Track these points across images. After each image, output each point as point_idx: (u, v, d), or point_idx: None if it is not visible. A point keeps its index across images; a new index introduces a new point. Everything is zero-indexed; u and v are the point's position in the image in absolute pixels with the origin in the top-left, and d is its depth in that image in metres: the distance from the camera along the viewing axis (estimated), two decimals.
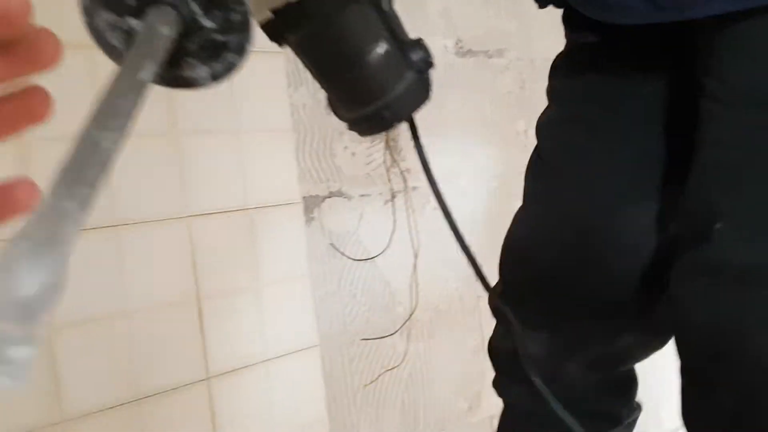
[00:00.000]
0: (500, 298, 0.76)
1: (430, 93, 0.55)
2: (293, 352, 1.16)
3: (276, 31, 0.50)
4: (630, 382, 0.86)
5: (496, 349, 0.89)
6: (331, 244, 1.23)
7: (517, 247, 0.81)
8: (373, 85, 0.51)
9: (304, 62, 0.53)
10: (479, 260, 0.65)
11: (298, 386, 1.17)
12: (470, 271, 0.66)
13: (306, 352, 1.18)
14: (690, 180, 0.63)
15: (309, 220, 1.20)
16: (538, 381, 0.65)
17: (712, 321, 0.59)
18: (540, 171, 0.80)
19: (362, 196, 1.27)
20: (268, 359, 1.13)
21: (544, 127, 0.80)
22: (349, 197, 1.26)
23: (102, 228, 0.96)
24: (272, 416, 1.13)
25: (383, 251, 1.29)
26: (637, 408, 0.87)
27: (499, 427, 0.92)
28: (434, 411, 1.40)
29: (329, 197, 1.23)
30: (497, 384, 0.90)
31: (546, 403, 0.66)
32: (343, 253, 1.24)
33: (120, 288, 0.97)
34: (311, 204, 1.20)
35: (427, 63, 0.53)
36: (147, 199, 1.00)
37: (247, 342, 1.11)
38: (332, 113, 0.57)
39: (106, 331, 0.96)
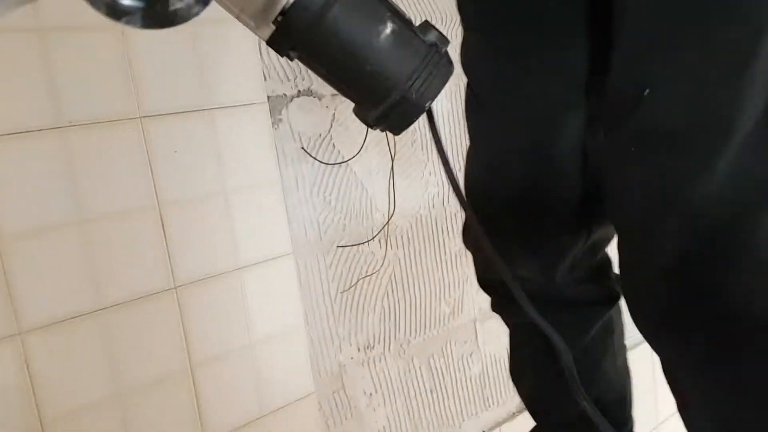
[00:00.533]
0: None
1: (453, 67, 0.52)
2: (266, 261, 1.12)
3: (280, 46, 0.48)
4: (608, 263, 0.90)
5: (485, 280, 0.93)
6: (302, 148, 1.17)
7: (478, 186, 0.84)
8: (392, 67, 0.48)
9: (319, 73, 0.50)
10: None
11: (273, 294, 1.13)
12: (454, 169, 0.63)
13: (279, 260, 1.14)
14: (614, 61, 0.64)
15: (276, 122, 1.13)
16: (517, 291, 0.66)
17: (645, 181, 0.62)
18: (479, 107, 0.80)
19: (334, 95, 1.19)
20: (240, 267, 1.09)
21: (470, 64, 0.80)
22: (319, 96, 1.18)
23: (50, 129, 0.89)
24: (247, 325, 1.11)
25: (357, 154, 1.23)
26: (616, 280, 0.90)
27: (510, 347, 0.98)
28: (415, 316, 1.38)
29: (298, 97, 1.15)
30: (496, 308, 0.95)
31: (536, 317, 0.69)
32: (315, 158, 1.18)
33: (74, 196, 0.91)
34: (278, 104, 1.12)
35: (443, 39, 0.50)
36: (99, 101, 0.93)
37: (217, 250, 1.06)
38: (363, 122, 0.54)
39: (61, 240, 0.91)
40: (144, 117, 0.97)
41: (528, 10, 0.71)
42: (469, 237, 0.93)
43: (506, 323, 0.96)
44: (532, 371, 0.94)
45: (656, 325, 0.67)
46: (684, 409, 0.70)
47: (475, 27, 0.78)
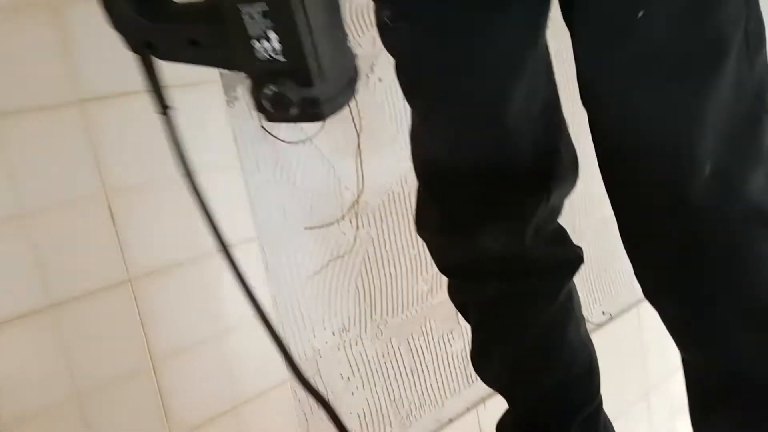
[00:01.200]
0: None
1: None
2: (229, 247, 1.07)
3: None
4: (563, 229, 0.92)
5: (445, 264, 0.92)
6: (261, 126, 1.11)
7: (437, 162, 0.82)
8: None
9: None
10: None
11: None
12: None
13: (243, 247, 1.10)
14: None
15: (232, 100, 1.07)
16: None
17: (648, 108, 0.64)
18: (425, 87, 0.78)
19: None
20: (201, 255, 1.04)
21: (407, 49, 0.78)
22: None
23: None
24: (212, 315, 1.06)
25: (321, 130, 1.18)
26: (579, 249, 0.92)
27: (473, 330, 0.97)
28: (392, 296, 1.35)
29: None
30: (459, 290, 0.95)
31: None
32: (276, 136, 1.13)
33: (13, 188, 0.86)
34: (232, 81, 1.07)
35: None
36: (34, 86, 0.87)
37: (175, 238, 1.01)
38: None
39: (1, 236, 0.86)
40: (85, 100, 0.91)
41: None
42: (423, 223, 0.90)
43: (464, 308, 0.94)
44: (503, 347, 0.91)
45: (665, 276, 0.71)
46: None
47: (407, 14, 0.75)
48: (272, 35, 0.44)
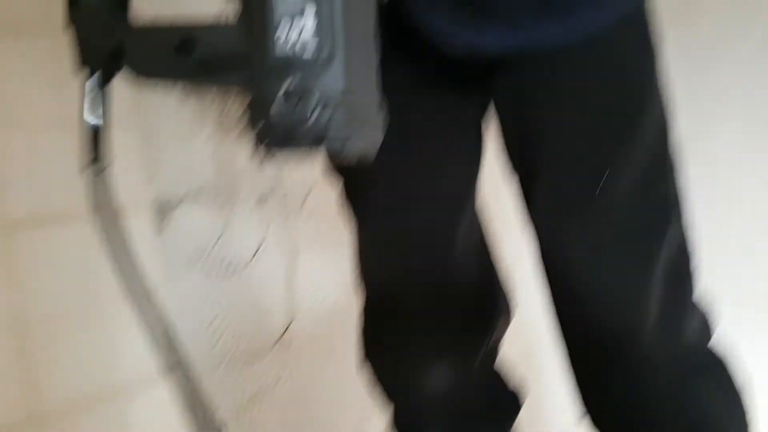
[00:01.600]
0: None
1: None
2: (149, 380, 1.02)
3: None
4: (504, 371, 0.92)
5: (388, 396, 0.88)
6: (190, 256, 1.11)
7: (379, 297, 0.83)
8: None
9: None
10: None
11: (156, 419, 1.03)
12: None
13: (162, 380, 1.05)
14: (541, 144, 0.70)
15: (162, 228, 1.07)
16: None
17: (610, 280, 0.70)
18: (369, 198, 0.79)
19: (225, 201, 1.16)
20: (119, 390, 0.98)
21: (361, 175, 0.78)
22: (209, 201, 1.14)
23: None
24: None
25: (250, 262, 1.18)
26: (523, 390, 0.93)
27: None
28: (322, 428, 1.30)
29: (185, 201, 1.11)
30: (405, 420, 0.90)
31: None
32: (204, 265, 1.12)
33: None
34: (164, 209, 1.07)
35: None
36: None
37: (89, 370, 0.96)
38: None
39: None
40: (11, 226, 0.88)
41: (424, 104, 0.74)
42: (365, 352, 0.88)
43: None
44: None
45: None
46: None
47: None
48: (309, 10, 0.39)
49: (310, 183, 1.28)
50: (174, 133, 1.11)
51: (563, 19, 0.61)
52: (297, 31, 0.39)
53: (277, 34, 0.39)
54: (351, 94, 0.40)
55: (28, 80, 0.90)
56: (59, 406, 0.92)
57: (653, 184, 0.69)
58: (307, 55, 0.39)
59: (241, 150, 1.19)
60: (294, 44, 0.39)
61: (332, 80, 0.40)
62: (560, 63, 0.65)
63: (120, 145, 1.04)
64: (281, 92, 0.39)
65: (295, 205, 1.28)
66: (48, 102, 0.92)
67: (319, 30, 0.39)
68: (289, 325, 1.25)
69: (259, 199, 1.22)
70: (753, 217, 1.38)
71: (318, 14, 0.39)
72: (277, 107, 0.40)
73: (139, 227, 1.03)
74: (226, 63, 0.42)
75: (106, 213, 0.49)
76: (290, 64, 0.39)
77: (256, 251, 1.19)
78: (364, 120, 0.43)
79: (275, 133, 0.40)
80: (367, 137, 0.44)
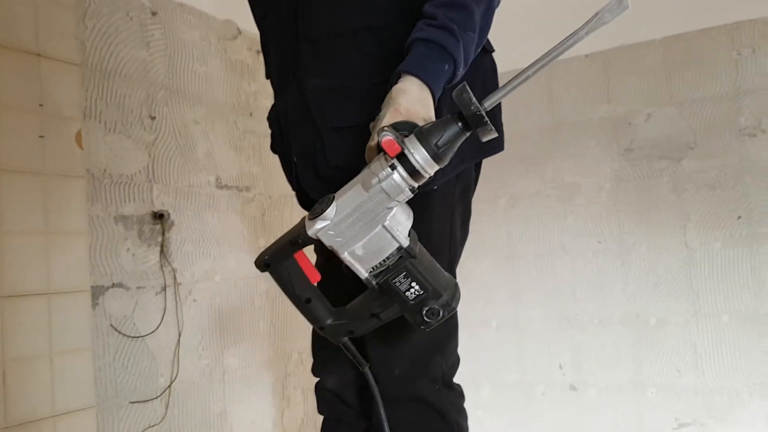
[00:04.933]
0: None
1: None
2: (76, 411, 1.46)
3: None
4: None
5: None
6: (111, 325, 1.58)
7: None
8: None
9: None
10: None
11: None
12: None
13: (85, 411, 1.49)
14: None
15: (95, 305, 1.55)
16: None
17: None
18: None
19: (138, 288, 1.66)
20: (56, 415, 1.41)
21: None
22: (127, 288, 1.64)
23: None
24: None
25: (153, 332, 1.67)
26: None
27: None
28: None
29: (112, 287, 1.60)
30: None
31: None
32: (120, 332, 1.60)
33: None
34: (97, 292, 1.56)
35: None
36: None
37: (38, 401, 1.39)
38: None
39: None
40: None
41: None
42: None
43: None
44: None
45: None
46: None
47: None
48: (414, 285, 0.81)
49: (197, 278, 1.80)
50: (109, 242, 1.60)
51: None
52: (414, 290, 0.81)
53: (407, 295, 0.81)
54: (443, 295, 0.82)
55: None
56: None
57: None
58: (423, 296, 0.81)
59: (151, 255, 1.71)
60: (416, 294, 0.82)
61: (438, 296, 0.82)
62: None
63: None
64: (421, 317, 0.82)
65: (184, 295, 1.79)
66: None
67: (422, 287, 0.82)
68: (172, 381, 1.72)
69: (161, 288, 1.72)
70: None
71: (417, 283, 0.82)
72: (424, 320, 0.83)
73: (79, 303, 1.51)
74: (393, 311, 0.84)
75: None
76: (419, 302, 0.81)
77: (159, 325, 1.69)
78: (451, 298, 0.84)
79: (427, 325, 0.83)
80: (454, 302, 0.85)
